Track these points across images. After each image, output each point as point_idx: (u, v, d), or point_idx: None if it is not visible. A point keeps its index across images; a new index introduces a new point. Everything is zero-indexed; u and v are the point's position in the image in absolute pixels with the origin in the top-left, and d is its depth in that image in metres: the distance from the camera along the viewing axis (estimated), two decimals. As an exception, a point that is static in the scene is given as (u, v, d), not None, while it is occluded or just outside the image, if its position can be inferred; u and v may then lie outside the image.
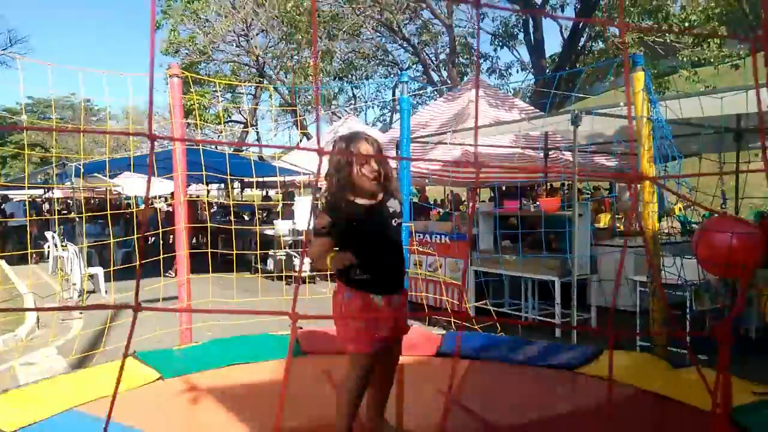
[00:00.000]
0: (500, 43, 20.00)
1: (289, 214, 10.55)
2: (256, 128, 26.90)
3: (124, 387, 3.00)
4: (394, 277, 2.47)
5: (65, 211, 16.42)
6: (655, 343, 3.46)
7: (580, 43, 16.41)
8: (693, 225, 9.61)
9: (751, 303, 5.38)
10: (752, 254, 2.28)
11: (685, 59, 13.43)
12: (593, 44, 17.01)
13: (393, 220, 2.49)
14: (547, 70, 15.39)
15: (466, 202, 12.99)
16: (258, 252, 7.23)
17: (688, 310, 4.99)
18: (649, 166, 3.25)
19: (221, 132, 23.05)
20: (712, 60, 13.13)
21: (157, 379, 3.19)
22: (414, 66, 22.68)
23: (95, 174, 11.57)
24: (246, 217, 14.48)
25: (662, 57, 14.59)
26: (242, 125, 26.44)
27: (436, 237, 6.95)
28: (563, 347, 3.71)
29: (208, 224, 5.25)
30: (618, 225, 11.87)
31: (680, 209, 11.46)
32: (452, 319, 5.30)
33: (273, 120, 28.64)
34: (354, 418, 2.48)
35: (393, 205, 2.50)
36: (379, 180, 2.41)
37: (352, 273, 2.38)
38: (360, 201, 2.43)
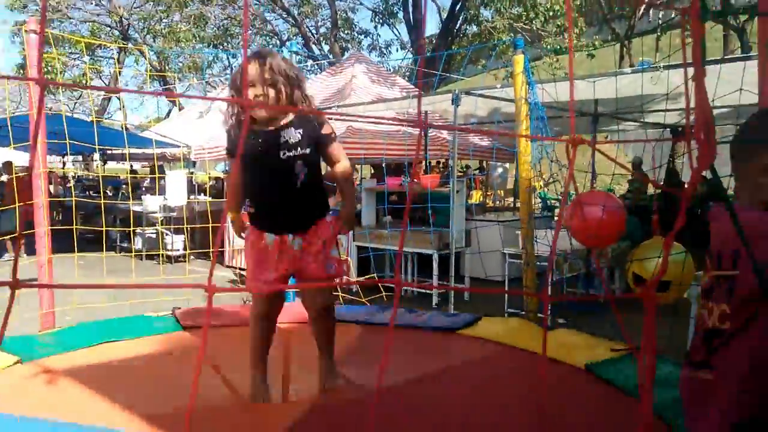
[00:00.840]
0: (380, 21, 20.14)
1: (159, 190, 9.92)
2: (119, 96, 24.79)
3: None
4: (283, 216, 2.21)
5: None
6: (526, 310, 3.75)
7: (457, 26, 17.02)
8: (552, 200, 10.48)
9: (598, 271, 6.02)
10: (618, 227, 2.57)
11: (548, 47, 14.48)
12: (468, 27, 17.73)
13: (282, 152, 2.15)
14: (427, 50, 15.80)
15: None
16: (133, 229, 6.71)
17: (550, 278, 5.50)
18: (527, 145, 3.48)
19: (78, 98, 20.94)
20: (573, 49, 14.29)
21: (16, 363, 2.87)
22: (294, 38, 22.15)
23: None
24: (109, 192, 13.39)
25: (528, 44, 15.60)
26: (104, 92, 24.22)
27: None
28: (445, 314, 3.90)
29: (73, 199, 4.76)
30: (488, 201, 12.65)
31: (541, 186, 12.48)
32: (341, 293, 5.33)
33: (139, 87, 26.54)
34: (260, 364, 2.39)
35: (288, 134, 2.16)
36: (270, 105, 2.10)
37: (248, 207, 2.28)
38: (255, 127, 2.16)
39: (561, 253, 5.51)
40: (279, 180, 2.18)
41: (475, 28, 17.12)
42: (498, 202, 12.70)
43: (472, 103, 5.99)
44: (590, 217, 2.28)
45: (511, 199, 12.14)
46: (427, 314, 3.86)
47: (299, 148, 2.18)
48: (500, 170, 13.16)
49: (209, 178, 13.13)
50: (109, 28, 21.29)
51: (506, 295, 5.45)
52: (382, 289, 5.42)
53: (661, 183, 10.12)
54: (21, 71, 19.57)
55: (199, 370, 0.57)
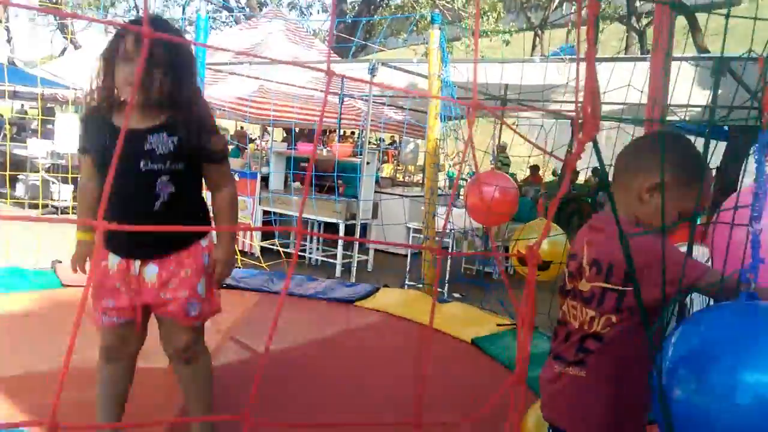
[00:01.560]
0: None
1: (47, 134, 9.10)
2: (7, 26, 22.32)
3: None
4: (132, 239, 1.68)
5: None
6: (424, 282, 3.86)
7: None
8: (461, 180, 10.82)
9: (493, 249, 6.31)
10: (510, 207, 2.69)
11: (468, 27, 14.71)
12: (391, -1, 17.61)
13: (143, 163, 1.62)
14: (348, 16, 15.52)
15: (257, 140, 12.67)
16: (11, 173, 6.11)
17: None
18: (435, 121, 3.53)
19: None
20: (489, 33, 14.61)
21: None
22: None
23: None
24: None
25: (450, 23, 15.77)
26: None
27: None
28: (345, 284, 3.93)
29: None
30: (398, 175, 12.82)
31: (450, 166, 12.82)
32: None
33: (30, 19, 24.08)
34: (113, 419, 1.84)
35: (156, 140, 1.64)
36: (145, 94, 1.60)
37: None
38: (116, 119, 1.68)
39: (461, 230, 5.71)
40: (131, 196, 1.64)
41: (398, 0, 17.04)
42: (408, 178, 12.90)
43: (389, 75, 5.98)
44: (484, 195, 2.37)
45: (421, 176, 12.36)
46: (327, 282, 3.87)
47: (168, 162, 1.65)
48: (412, 146, 13.35)
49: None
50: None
51: (407, 267, 5.58)
52: (282, 255, 5.36)
53: (558, 172, 10.73)
54: None
55: (77, 327, 0.53)
